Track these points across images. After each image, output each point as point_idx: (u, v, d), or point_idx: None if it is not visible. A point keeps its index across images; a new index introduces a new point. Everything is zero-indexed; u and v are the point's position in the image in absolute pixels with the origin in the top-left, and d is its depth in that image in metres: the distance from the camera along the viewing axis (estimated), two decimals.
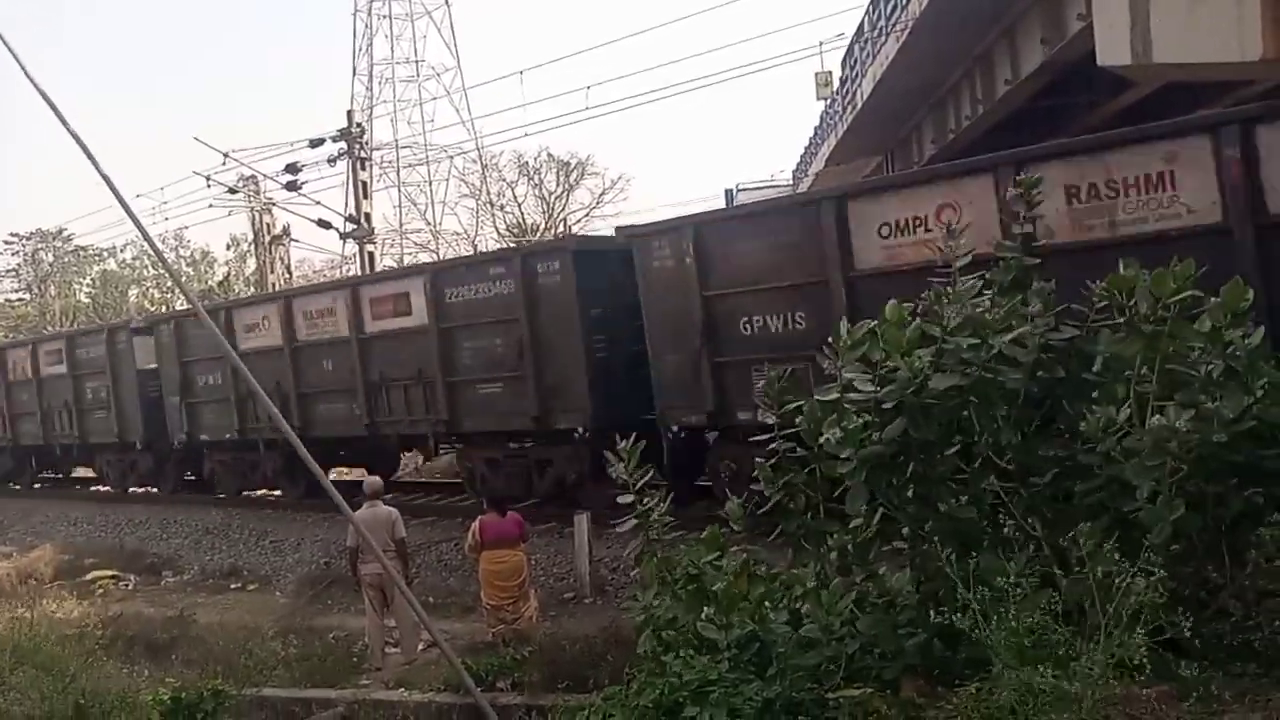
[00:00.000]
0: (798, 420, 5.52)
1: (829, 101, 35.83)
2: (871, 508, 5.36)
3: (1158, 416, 4.55)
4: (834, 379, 5.51)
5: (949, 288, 5.45)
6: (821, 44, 41.04)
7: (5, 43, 5.17)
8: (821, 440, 5.41)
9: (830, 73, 33.58)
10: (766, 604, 5.45)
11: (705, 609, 5.39)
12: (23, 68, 5.01)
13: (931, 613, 4.67)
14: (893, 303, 5.55)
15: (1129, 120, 17.99)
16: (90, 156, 5.01)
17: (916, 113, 28.21)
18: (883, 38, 24.21)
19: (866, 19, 26.46)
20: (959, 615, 4.31)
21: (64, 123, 4.98)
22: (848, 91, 31.41)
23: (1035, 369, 5.24)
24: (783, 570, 5.78)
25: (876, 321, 5.53)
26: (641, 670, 5.43)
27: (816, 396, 5.61)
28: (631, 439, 5.93)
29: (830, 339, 5.65)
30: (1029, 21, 19.37)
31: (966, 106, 23.89)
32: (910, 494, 5.33)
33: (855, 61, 29.34)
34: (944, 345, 5.24)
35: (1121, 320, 4.97)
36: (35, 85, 5.00)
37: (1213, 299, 4.81)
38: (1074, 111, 22.57)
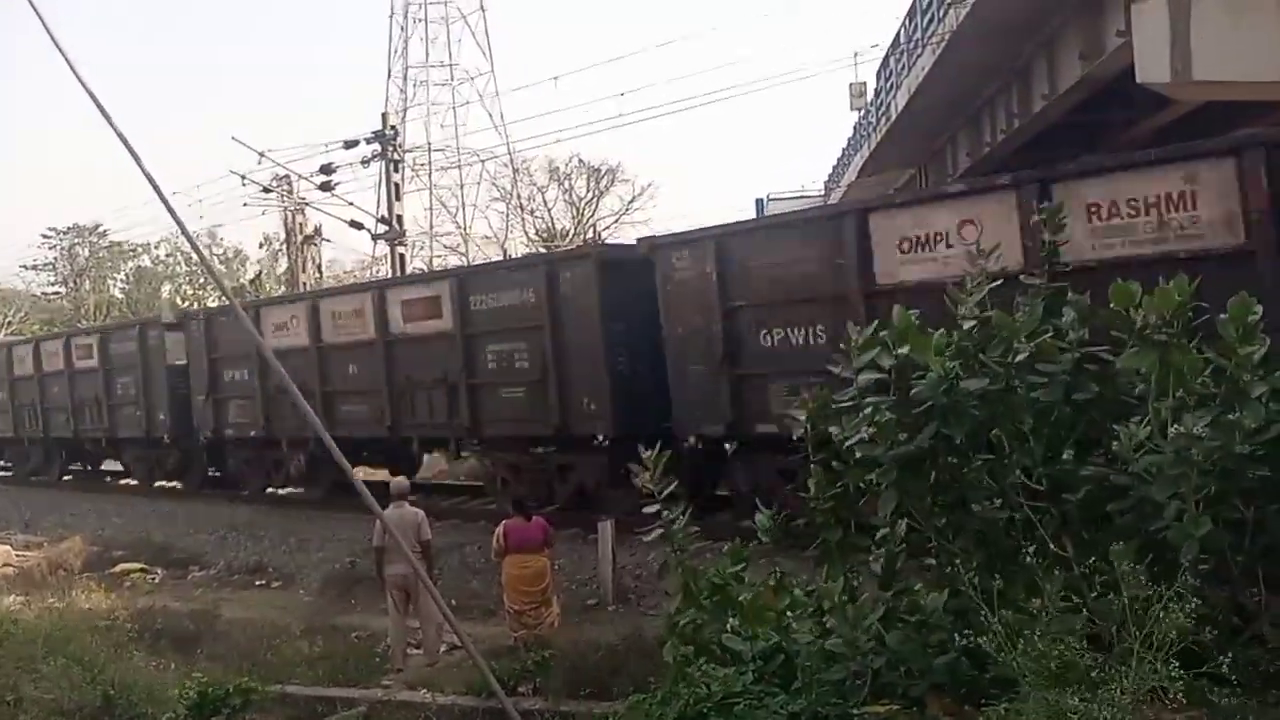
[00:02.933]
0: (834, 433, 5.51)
1: (863, 113, 35.75)
2: (898, 516, 5.34)
3: (1176, 426, 4.52)
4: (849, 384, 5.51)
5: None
6: (856, 55, 41.06)
7: (52, 35, 5.23)
8: (850, 443, 5.41)
9: (865, 84, 33.57)
10: (789, 615, 5.44)
11: (730, 620, 5.39)
12: (70, 65, 5.06)
13: (959, 633, 4.64)
14: (898, 308, 5.55)
15: (1165, 139, 17.85)
16: (135, 155, 5.05)
17: (951, 125, 28.08)
18: (919, 50, 24.12)
19: (903, 30, 26.39)
20: (986, 638, 4.29)
21: (109, 120, 5.01)
22: (882, 103, 31.31)
23: (1069, 387, 5.20)
24: (809, 583, 5.76)
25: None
26: (665, 680, 5.43)
27: (836, 404, 5.61)
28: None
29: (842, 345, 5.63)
30: (1067, 36, 19.23)
31: (1002, 120, 23.75)
32: (940, 503, 5.31)
33: (890, 73, 29.26)
34: (963, 347, 5.23)
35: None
36: (82, 83, 5.05)
37: (1221, 315, 4.81)
38: (1111, 128, 22.41)
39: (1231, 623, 4.72)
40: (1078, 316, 5.46)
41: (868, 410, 5.37)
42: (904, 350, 5.30)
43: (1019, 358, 5.16)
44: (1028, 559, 4.63)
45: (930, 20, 22.70)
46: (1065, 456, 5.07)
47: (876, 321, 5.66)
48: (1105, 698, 3.86)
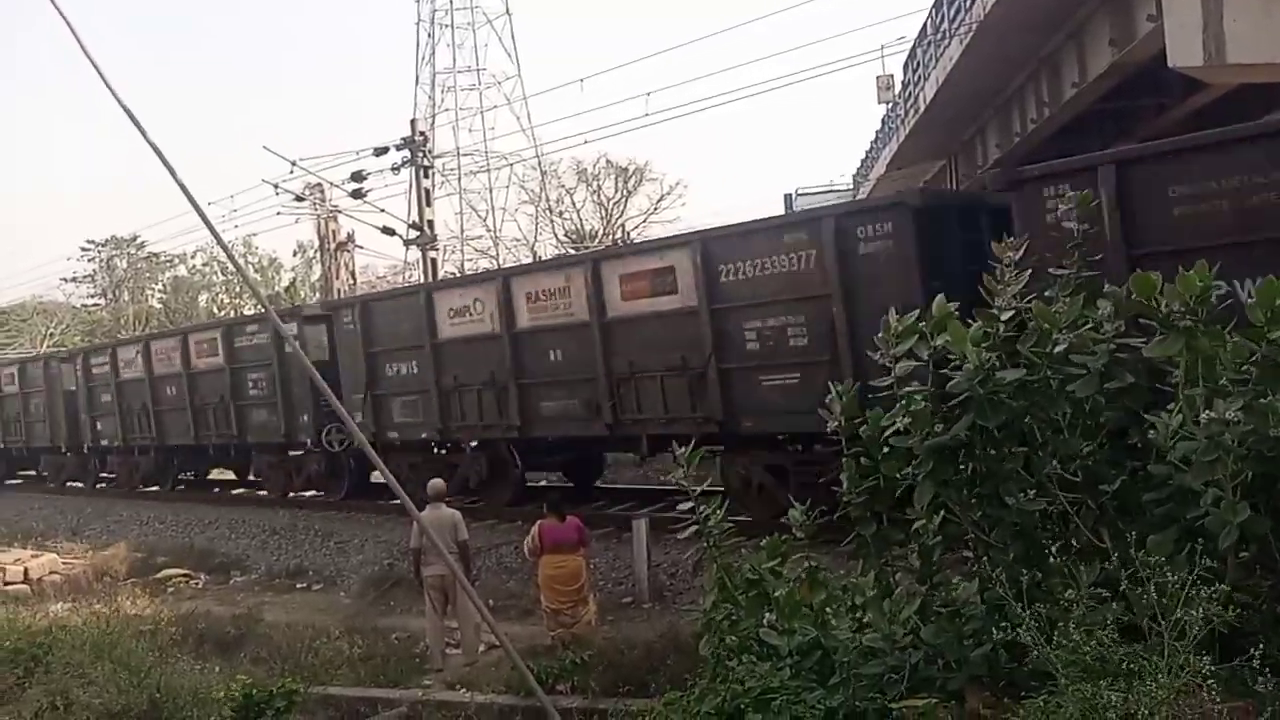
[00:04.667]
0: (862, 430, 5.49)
1: (890, 105, 35.44)
2: (934, 508, 5.31)
3: (1208, 411, 4.45)
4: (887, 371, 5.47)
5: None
6: (883, 47, 40.64)
7: (85, 49, 5.32)
8: (886, 434, 5.37)
9: (892, 76, 33.22)
10: (828, 610, 5.43)
11: (767, 615, 5.39)
12: (104, 79, 5.14)
13: (996, 625, 4.61)
14: (940, 298, 5.51)
15: (1198, 124, 17.60)
16: (169, 168, 5.12)
17: (981, 116, 27.82)
18: (946, 40, 23.92)
19: (929, 22, 26.16)
20: (1023, 629, 4.26)
21: (143, 133, 5.09)
22: (910, 95, 31.06)
23: (1104, 377, 5.15)
24: (845, 577, 5.75)
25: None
26: (703, 676, 5.44)
27: (873, 393, 5.58)
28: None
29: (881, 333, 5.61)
30: (1097, 23, 19.01)
31: (1032, 109, 23.50)
32: (976, 493, 5.27)
33: (918, 64, 29.02)
34: (1002, 339, 5.18)
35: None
36: (116, 96, 5.12)
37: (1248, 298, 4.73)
38: (1142, 114, 22.13)
39: (1275, 610, 4.66)
40: (1114, 308, 5.40)
41: (903, 401, 5.34)
42: (941, 340, 5.26)
43: (1058, 349, 5.12)
44: (1063, 551, 4.59)
45: (957, 10, 22.50)
46: (1097, 447, 5.02)
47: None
48: (1143, 690, 3.82)
